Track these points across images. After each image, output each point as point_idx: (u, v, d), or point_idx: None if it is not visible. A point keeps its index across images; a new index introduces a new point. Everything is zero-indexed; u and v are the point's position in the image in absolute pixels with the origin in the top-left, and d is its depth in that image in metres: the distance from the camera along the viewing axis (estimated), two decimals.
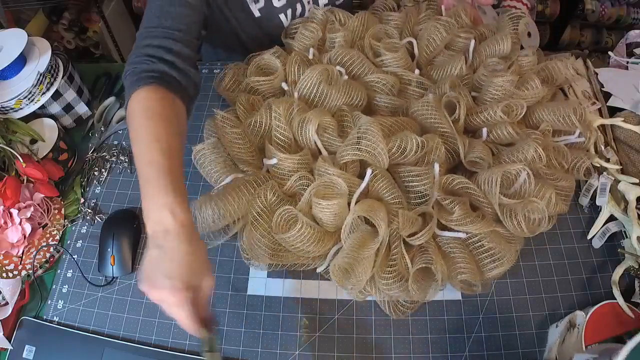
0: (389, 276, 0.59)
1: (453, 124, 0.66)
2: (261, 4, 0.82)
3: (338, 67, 0.74)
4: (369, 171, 0.62)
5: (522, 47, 0.83)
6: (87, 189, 0.77)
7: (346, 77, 0.74)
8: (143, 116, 0.55)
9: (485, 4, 0.86)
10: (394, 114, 0.73)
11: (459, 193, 0.63)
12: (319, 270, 0.63)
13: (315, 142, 0.66)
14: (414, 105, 0.70)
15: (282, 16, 0.85)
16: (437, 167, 0.62)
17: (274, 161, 0.65)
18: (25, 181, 0.71)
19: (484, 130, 0.69)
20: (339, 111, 0.70)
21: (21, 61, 0.77)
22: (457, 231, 0.61)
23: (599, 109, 0.79)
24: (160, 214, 0.48)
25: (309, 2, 0.88)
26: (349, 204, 0.62)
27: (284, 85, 0.76)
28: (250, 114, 0.72)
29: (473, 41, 0.79)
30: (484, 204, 0.62)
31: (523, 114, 0.69)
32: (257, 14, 0.83)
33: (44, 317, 0.65)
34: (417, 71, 0.77)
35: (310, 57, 0.78)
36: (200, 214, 0.62)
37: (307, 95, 0.71)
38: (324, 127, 0.66)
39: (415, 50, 0.81)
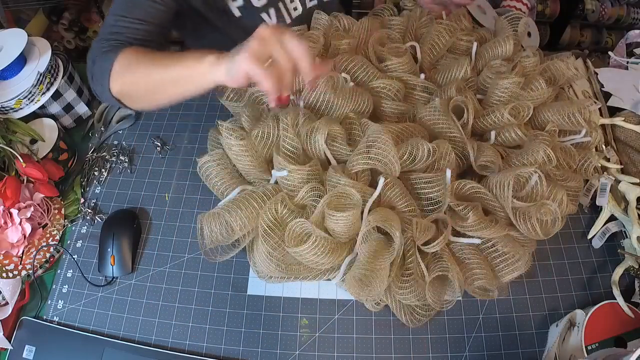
0: (405, 285, 0.58)
1: (461, 128, 0.66)
2: (239, 2, 0.80)
3: (343, 74, 0.73)
4: (381, 180, 0.61)
5: (522, 48, 0.83)
6: (87, 189, 0.77)
7: (351, 84, 0.73)
8: (141, 53, 0.64)
9: (463, 3, 0.85)
10: (401, 119, 0.73)
11: (470, 198, 0.63)
12: (334, 281, 0.62)
13: (324, 152, 0.65)
14: (421, 111, 0.70)
15: (264, 15, 0.83)
16: (449, 173, 0.62)
17: (284, 173, 0.62)
18: (25, 181, 0.71)
19: (492, 133, 0.69)
20: (347, 119, 0.69)
21: (21, 61, 0.77)
22: (472, 237, 0.61)
23: (599, 109, 0.79)
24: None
25: (292, 1, 0.86)
26: (361, 213, 0.60)
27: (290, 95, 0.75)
28: (256, 124, 0.69)
29: (475, 44, 0.79)
30: (497, 208, 0.62)
31: (529, 115, 0.68)
32: (237, 13, 0.81)
33: (44, 317, 0.65)
34: (422, 75, 0.77)
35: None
36: (207, 229, 0.62)
37: (313, 104, 0.69)
38: (333, 136, 0.65)
39: (418, 54, 0.81)
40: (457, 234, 0.62)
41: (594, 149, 0.72)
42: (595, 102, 0.79)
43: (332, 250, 0.58)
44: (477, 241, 0.61)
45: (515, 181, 0.61)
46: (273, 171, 0.65)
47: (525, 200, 0.61)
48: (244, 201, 0.62)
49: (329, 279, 0.62)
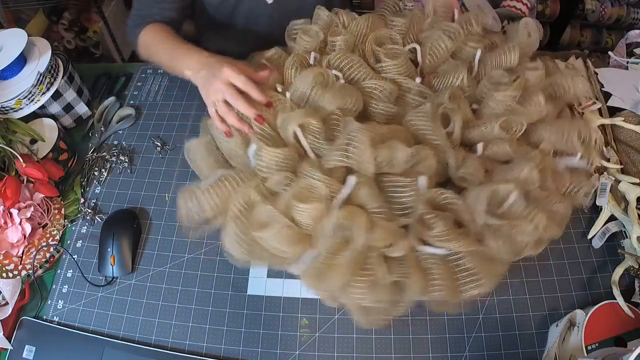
0: (362, 285, 0.57)
1: (447, 137, 0.64)
2: None
3: (335, 72, 0.72)
4: (352, 178, 0.61)
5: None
6: (87, 189, 0.77)
7: (342, 81, 0.73)
8: (158, 37, 0.81)
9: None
10: (390, 121, 0.72)
11: (446, 208, 0.61)
12: (293, 272, 0.62)
13: (299, 141, 0.65)
14: (409, 114, 0.68)
15: None
16: (423, 179, 0.61)
17: (253, 148, 0.64)
18: (25, 181, 0.71)
19: (479, 145, 0.67)
20: (332, 115, 0.68)
21: (21, 61, 0.77)
22: (438, 247, 0.59)
23: (599, 109, 0.79)
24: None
25: None
26: (331, 208, 0.60)
27: (278, 87, 0.74)
28: None
29: (479, 51, 0.76)
30: (471, 222, 0.60)
31: (522, 131, 0.66)
32: None
33: (44, 317, 0.65)
34: (418, 79, 0.75)
35: (312, 62, 0.77)
36: (184, 205, 0.63)
37: (300, 98, 0.69)
38: (307, 129, 0.65)
39: (419, 58, 0.79)
40: (427, 242, 0.60)
41: (593, 173, 0.70)
42: (595, 102, 0.79)
43: (298, 241, 0.58)
44: (441, 252, 0.60)
45: (493, 197, 0.60)
46: (248, 150, 0.65)
47: (504, 218, 0.58)
48: (218, 183, 0.63)
49: (293, 271, 0.62)
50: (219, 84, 0.66)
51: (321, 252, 0.58)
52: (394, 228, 0.59)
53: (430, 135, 0.66)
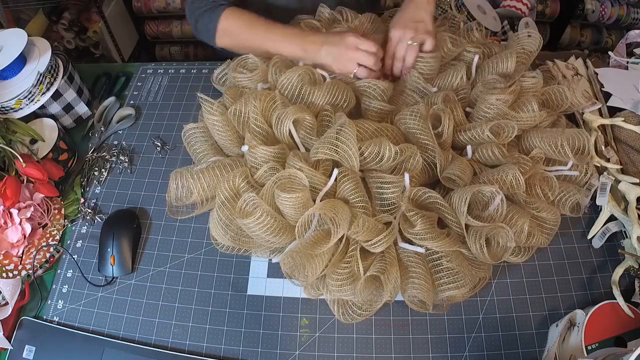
0: (340, 277, 0.58)
1: (437, 138, 0.65)
2: None
3: (319, 71, 0.74)
4: (335, 170, 0.62)
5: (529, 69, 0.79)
6: (87, 189, 0.77)
7: (328, 79, 0.74)
8: (242, 22, 0.79)
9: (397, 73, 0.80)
10: (383, 119, 0.72)
11: (430, 208, 0.62)
12: (274, 260, 0.64)
13: (292, 137, 0.66)
14: (400, 113, 0.69)
15: None
16: (407, 177, 0.61)
17: (245, 148, 0.66)
18: (25, 181, 0.71)
19: (469, 147, 0.67)
20: (323, 111, 0.69)
21: (21, 61, 0.77)
22: (418, 245, 0.60)
23: (599, 109, 0.79)
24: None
25: None
26: (315, 201, 0.61)
27: (261, 85, 0.75)
28: (235, 103, 0.72)
29: (477, 57, 0.77)
30: (454, 223, 0.60)
31: (513, 136, 0.66)
32: None
33: (44, 317, 0.65)
34: (434, 89, 0.75)
35: (301, 64, 0.77)
36: (173, 185, 0.66)
37: (291, 92, 0.71)
38: (301, 124, 0.66)
39: None
40: (410, 240, 0.61)
41: (593, 150, 0.71)
42: (595, 102, 0.79)
43: (282, 230, 0.59)
44: (420, 250, 0.60)
45: (479, 200, 0.60)
46: (243, 147, 0.67)
47: (488, 221, 0.59)
48: (208, 169, 0.65)
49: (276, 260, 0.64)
50: (350, 53, 0.72)
51: (300, 242, 0.59)
52: (376, 223, 0.60)
53: (420, 134, 0.66)
